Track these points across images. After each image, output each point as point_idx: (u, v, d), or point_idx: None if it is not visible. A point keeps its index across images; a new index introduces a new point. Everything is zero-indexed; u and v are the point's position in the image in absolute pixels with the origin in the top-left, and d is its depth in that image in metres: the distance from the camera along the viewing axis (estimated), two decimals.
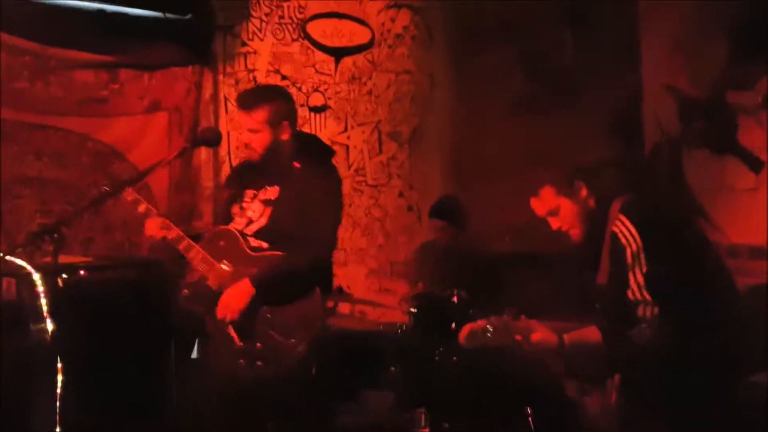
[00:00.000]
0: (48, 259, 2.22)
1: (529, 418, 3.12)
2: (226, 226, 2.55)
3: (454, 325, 3.33)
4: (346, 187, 4.54)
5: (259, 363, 2.33)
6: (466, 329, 2.31)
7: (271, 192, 2.51)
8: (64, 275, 2.74)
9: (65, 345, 2.32)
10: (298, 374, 2.31)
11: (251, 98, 2.56)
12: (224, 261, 2.44)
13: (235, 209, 2.56)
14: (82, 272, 2.88)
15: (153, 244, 2.57)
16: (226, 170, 4.23)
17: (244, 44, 4.31)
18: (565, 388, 3.29)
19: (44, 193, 3.69)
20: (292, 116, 2.54)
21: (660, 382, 2.19)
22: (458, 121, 4.74)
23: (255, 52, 4.34)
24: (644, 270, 2.10)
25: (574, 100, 3.91)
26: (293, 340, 2.31)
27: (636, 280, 2.11)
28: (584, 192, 2.28)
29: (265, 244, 2.46)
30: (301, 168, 2.48)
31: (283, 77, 4.39)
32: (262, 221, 2.48)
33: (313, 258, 2.39)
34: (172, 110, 3.98)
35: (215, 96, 4.15)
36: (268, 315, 2.36)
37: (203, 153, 4.08)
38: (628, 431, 2.33)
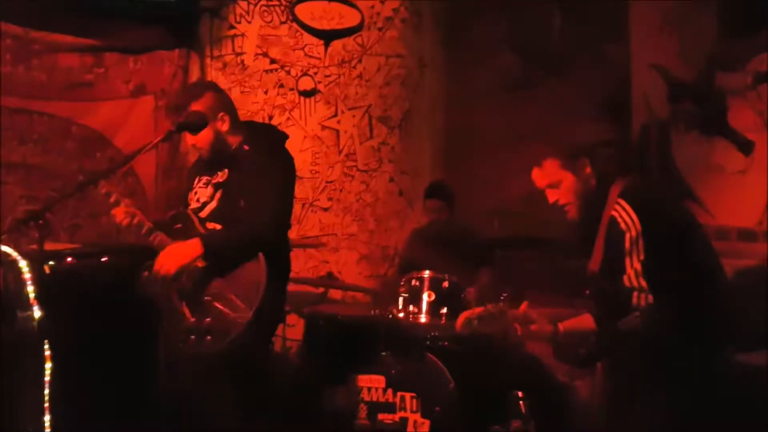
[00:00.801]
0: (34, 246, 2.19)
1: (520, 402, 3.14)
2: (181, 210, 2.60)
3: (445, 309, 3.35)
4: (337, 171, 4.52)
5: (208, 338, 2.33)
6: (462, 317, 2.29)
7: (221, 175, 2.53)
8: (50, 262, 2.71)
9: (53, 332, 2.29)
10: (243, 346, 2.31)
11: (180, 99, 2.59)
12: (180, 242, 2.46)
13: (190, 196, 2.59)
14: (69, 259, 2.85)
15: (122, 229, 2.57)
16: None
17: (231, 27, 4.26)
18: (555, 372, 3.32)
19: (29, 178, 3.65)
20: (227, 106, 2.54)
21: (648, 365, 2.20)
22: (448, 103, 4.72)
23: (243, 35, 4.29)
24: (641, 257, 2.07)
25: (563, 79, 3.89)
26: (239, 314, 2.32)
27: (633, 266, 2.08)
28: (588, 170, 2.24)
29: (218, 226, 2.47)
30: (250, 150, 2.50)
31: (272, 60, 4.35)
32: (213, 204, 2.50)
33: (258, 231, 2.38)
34: (158, 94, 3.93)
35: (202, 80, 4.10)
36: (217, 289, 2.37)
37: (190, 138, 4.03)
38: (617, 414, 2.34)
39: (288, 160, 2.54)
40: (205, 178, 2.57)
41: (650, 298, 2.06)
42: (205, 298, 2.36)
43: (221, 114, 2.50)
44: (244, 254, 2.37)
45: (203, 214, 2.51)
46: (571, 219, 2.29)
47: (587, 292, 2.25)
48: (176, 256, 2.35)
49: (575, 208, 2.26)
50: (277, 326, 2.72)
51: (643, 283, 2.05)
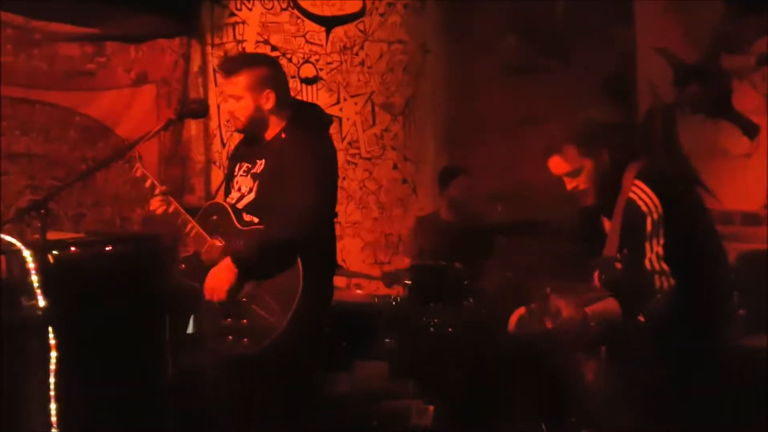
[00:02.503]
0: (38, 236, 2.19)
1: (523, 387, 3.14)
2: (217, 200, 2.50)
3: (448, 297, 3.35)
4: (340, 159, 4.49)
5: (245, 340, 2.29)
6: (514, 318, 2.28)
7: (259, 165, 2.43)
8: (54, 251, 2.71)
9: (58, 321, 2.30)
10: (281, 349, 2.28)
11: (233, 63, 2.49)
12: (217, 236, 2.41)
13: (233, 184, 2.51)
14: (72, 248, 2.86)
15: (152, 218, 2.51)
16: (216, 144, 4.21)
17: (232, 14, 4.24)
18: (561, 357, 3.32)
19: (32, 168, 3.65)
20: (278, 85, 2.43)
21: (651, 349, 2.20)
22: (452, 88, 4.70)
23: (244, 23, 4.27)
24: (662, 241, 2.05)
25: (567, 63, 3.86)
26: (275, 317, 2.28)
27: (653, 250, 2.06)
28: (605, 155, 2.22)
29: (255, 219, 2.39)
30: (286, 138, 2.39)
31: (273, 48, 4.33)
32: (251, 195, 2.42)
33: (295, 229, 2.29)
34: (159, 83, 3.93)
35: (204, 67, 4.09)
36: (253, 291, 2.31)
37: (193, 127, 4.03)
38: (621, 400, 2.34)
39: (327, 148, 2.44)
40: (245, 166, 2.47)
41: (672, 281, 2.05)
42: (242, 299, 2.30)
43: (267, 91, 2.39)
44: (280, 255, 2.29)
45: (241, 205, 2.43)
46: (586, 205, 2.27)
47: (598, 275, 2.22)
48: (219, 284, 2.30)
49: (593, 194, 2.24)
50: (322, 326, 2.57)
51: (665, 267, 2.04)
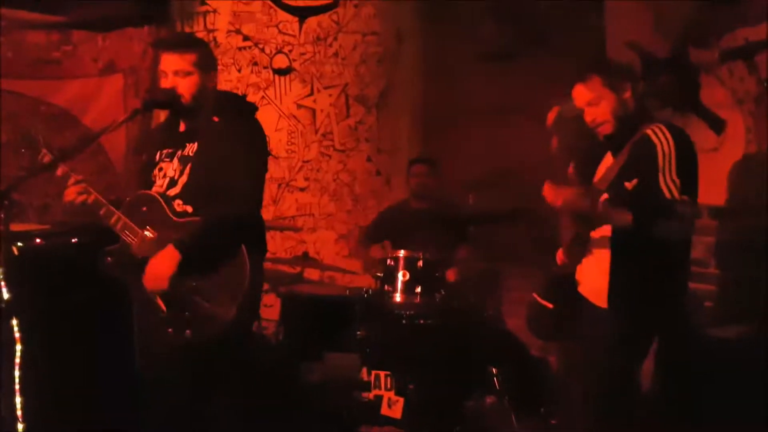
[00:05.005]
0: (1, 227, 2.15)
1: (494, 378, 3.17)
2: (147, 191, 2.41)
3: (419, 288, 3.36)
4: (314, 151, 4.49)
5: (188, 332, 2.24)
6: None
7: (190, 148, 2.38)
8: (19, 243, 2.66)
9: (22, 313, 2.26)
10: (229, 339, 2.25)
11: (181, 39, 2.47)
12: (148, 227, 2.35)
13: (155, 172, 2.43)
14: (37, 240, 2.81)
15: (71, 210, 2.43)
16: None
17: (203, 3, 4.18)
18: (529, 347, 3.36)
19: None
20: (216, 69, 2.44)
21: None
22: (427, 77, 4.68)
23: (215, 11, 4.21)
24: (674, 176, 2.14)
25: (543, 49, 3.87)
26: (221, 307, 2.24)
27: (667, 182, 2.14)
28: (628, 93, 2.31)
29: (189, 208, 2.34)
30: (220, 122, 2.35)
31: (245, 37, 4.28)
32: (183, 178, 2.36)
33: (236, 216, 2.28)
34: (127, 72, 3.88)
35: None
36: (194, 283, 2.26)
37: (162, 116, 3.97)
38: (591, 387, 2.37)
39: (260, 134, 2.42)
40: (167, 151, 2.42)
41: (696, 208, 2.19)
42: (183, 290, 2.25)
43: (213, 72, 2.39)
44: (224, 240, 2.26)
45: (172, 192, 2.37)
46: (601, 137, 2.35)
47: (605, 198, 2.25)
48: (162, 271, 2.24)
49: (611, 126, 2.32)
50: (257, 310, 2.59)
51: (685, 197, 2.11)
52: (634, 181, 2.18)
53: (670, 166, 2.15)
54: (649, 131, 2.23)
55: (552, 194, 2.34)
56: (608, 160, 2.40)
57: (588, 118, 2.35)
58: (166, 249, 2.25)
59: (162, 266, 2.25)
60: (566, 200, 2.31)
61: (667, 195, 2.12)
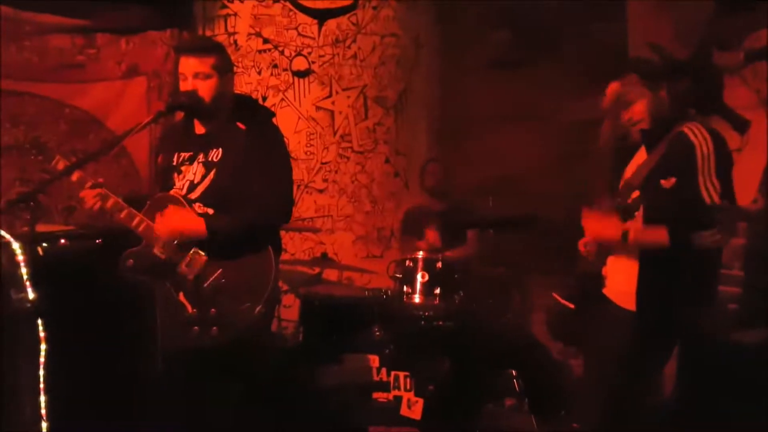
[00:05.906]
0: (27, 228, 2.18)
1: (514, 380, 3.16)
2: (168, 192, 2.44)
3: (438, 289, 3.36)
4: (332, 153, 4.51)
5: (214, 329, 2.27)
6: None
7: (214, 154, 2.40)
8: (44, 244, 2.69)
9: (47, 313, 2.29)
10: (257, 337, 2.28)
11: (200, 42, 2.50)
12: None
13: (174, 174, 2.46)
14: (62, 240, 2.84)
15: (93, 213, 2.45)
16: None
17: (224, 6, 4.22)
18: (549, 350, 3.34)
19: (22, 161, 3.63)
20: (233, 72, 2.48)
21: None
22: (444, 82, 4.69)
23: (235, 15, 4.25)
24: (714, 178, 2.09)
25: (560, 57, 3.87)
26: (248, 305, 2.26)
27: (706, 183, 2.09)
28: (663, 92, 2.28)
29: (210, 211, 2.36)
30: (247, 129, 2.38)
31: (265, 40, 4.31)
32: (205, 183, 2.38)
33: (268, 219, 2.32)
34: (150, 75, 3.91)
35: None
36: (223, 280, 2.29)
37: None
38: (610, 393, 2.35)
39: (283, 139, 2.48)
40: (188, 154, 2.43)
41: (737, 214, 2.14)
42: (206, 287, 2.28)
43: (229, 75, 2.42)
44: (251, 241, 2.28)
45: (192, 195, 2.39)
46: (636, 139, 2.32)
47: (637, 194, 2.22)
48: (180, 221, 2.26)
49: (646, 125, 2.29)
50: (276, 307, 2.68)
51: (726, 202, 2.06)
52: (672, 179, 2.14)
53: (709, 167, 2.11)
54: (686, 129, 2.19)
55: (589, 226, 2.30)
56: (641, 155, 2.36)
57: (624, 118, 2.32)
58: (197, 217, 2.29)
59: (182, 217, 2.28)
60: (598, 235, 2.29)
61: (707, 199, 2.07)
